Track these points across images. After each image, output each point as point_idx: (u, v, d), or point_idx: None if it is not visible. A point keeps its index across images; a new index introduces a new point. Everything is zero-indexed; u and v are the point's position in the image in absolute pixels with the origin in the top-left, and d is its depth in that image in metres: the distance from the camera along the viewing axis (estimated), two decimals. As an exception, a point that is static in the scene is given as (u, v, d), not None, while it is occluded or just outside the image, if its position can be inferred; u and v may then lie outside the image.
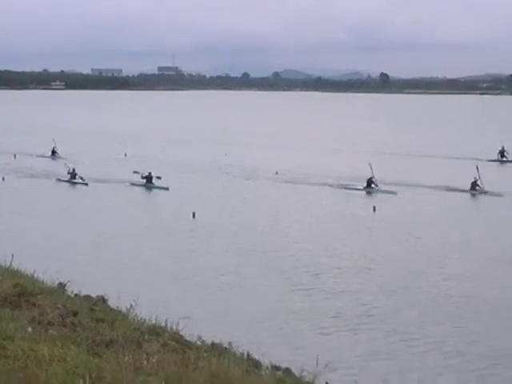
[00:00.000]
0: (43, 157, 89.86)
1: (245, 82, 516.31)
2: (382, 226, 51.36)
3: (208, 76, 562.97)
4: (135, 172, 68.36)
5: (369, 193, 66.06)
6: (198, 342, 19.48)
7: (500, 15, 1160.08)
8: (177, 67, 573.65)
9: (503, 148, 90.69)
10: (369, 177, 66.78)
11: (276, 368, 19.43)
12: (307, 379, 17.42)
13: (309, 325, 30.42)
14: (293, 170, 77.05)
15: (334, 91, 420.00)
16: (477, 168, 65.56)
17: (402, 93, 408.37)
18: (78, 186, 69.08)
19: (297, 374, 18.36)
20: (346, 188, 67.64)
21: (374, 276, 38.58)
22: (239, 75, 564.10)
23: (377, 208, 56.41)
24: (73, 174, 69.85)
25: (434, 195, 63.68)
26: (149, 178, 67.26)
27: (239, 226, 50.74)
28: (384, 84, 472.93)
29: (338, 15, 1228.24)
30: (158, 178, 67.10)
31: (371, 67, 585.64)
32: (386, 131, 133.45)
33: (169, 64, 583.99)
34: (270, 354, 21.44)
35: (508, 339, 29.11)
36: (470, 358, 27.12)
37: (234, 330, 26.17)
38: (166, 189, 65.95)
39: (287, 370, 19.15)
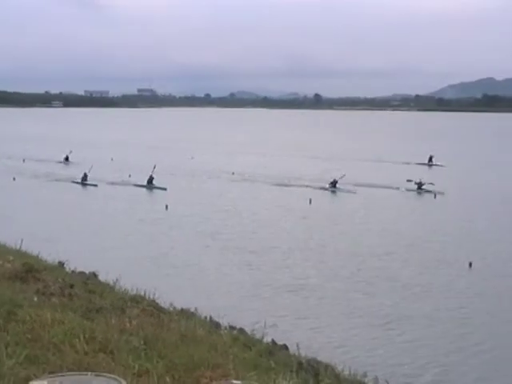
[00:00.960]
0: (59, 162, 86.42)
1: (207, 101, 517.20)
2: (315, 216, 51.42)
3: (178, 96, 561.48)
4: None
5: (333, 191, 63.87)
6: (170, 308, 19.42)
7: (406, 47, 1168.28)
8: (152, 89, 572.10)
9: (431, 155, 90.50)
10: (334, 179, 64.48)
11: (232, 328, 19.40)
12: (257, 336, 17.41)
13: (257, 293, 30.42)
14: (247, 171, 76.87)
15: (277, 108, 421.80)
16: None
17: (332, 109, 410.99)
18: (88, 187, 66.69)
19: (249, 332, 18.34)
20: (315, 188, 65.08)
21: (307, 254, 38.62)
22: (202, 95, 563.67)
23: (312, 201, 56.42)
24: (84, 177, 67.03)
25: (371, 192, 63.60)
26: (149, 180, 64.45)
27: (202, 216, 50.58)
28: (317, 102, 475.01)
29: (280, 48, 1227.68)
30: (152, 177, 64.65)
31: (307, 89, 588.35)
32: (323, 139, 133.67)
33: (146, 86, 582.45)
34: (227, 317, 21.40)
35: (400, 307, 29.17)
36: (373, 315, 27.20)
37: (198, 298, 26.08)
38: (164, 189, 63.17)
39: (241, 330, 19.12)
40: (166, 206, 52.82)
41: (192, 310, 20.13)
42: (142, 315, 15.61)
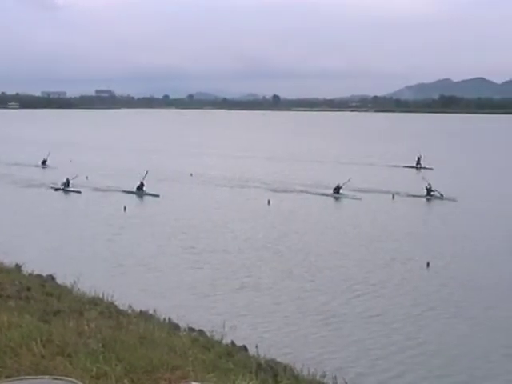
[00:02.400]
0: (36, 166, 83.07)
1: (165, 102, 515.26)
2: (273, 215, 51.55)
3: (136, 97, 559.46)
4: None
5: (335, 198, 60.77)
6: (129, 310, 19.39)
7: (364, 48, 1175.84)
8: (110, 90, 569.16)
9: (419, 156, 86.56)
10: (337, 184, 61.16)
11: (192, 330, 19.42)
12: (216, 338, 17.41)
13: (217, 294, 30.35)
14: (205, 172, 76.82)
15: (236, 109, 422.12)
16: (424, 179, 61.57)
17: (290, 110, 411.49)
18: (71, 193, 62.77)
19: (208, 334, 18.34)
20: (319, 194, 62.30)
21: (264, 254, 38.72)
22: (161, 97, 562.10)
23: (271, 202, 56.52)
24: (67, 183, 63.08)
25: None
26: (140, 186, 61.25)
27: (160, 217, 50.46)
28: (276, 103, 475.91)
29: (238, 49, 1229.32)
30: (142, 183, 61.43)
31: (265, 90, 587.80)
32: (281, 140, 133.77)
33: (104, 88, 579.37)
34: (186, 318, 21.40)
35: (356, 306, 29.34)
36: (330, 315, 27.33)
37: (157, 300, 26.02)
38: (157, 196, 59.91)
39: (200, 331, 19.15)
40: (124, 208, 52.59)
41: (151, 311, 20.11)
42: (101, 318, 15.56)
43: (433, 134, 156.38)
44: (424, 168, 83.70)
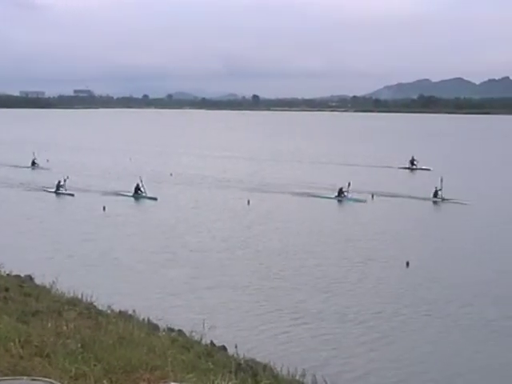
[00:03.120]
0: (25, 167, 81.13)
1: (145, 102, 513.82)
2: (252, 215, 51.58)
3: (115, 97, 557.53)
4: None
5: (339, 201, 58.93)
6: (108, 311, 19.34)
7: (343, 48, 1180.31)
8: (89, 90, 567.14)
9: (413, 157, 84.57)
10: (340, 187, 59.38)
11: (171, 330, 19.39)
12: (196, 338, 17.40)
13: (196, 294, 30.31)
14: (185, 172, 76.76)
15: (216, 109, 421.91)
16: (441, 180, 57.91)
17: (269, 110, 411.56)
18: (63, 196, 60.85)
19: (187, 334, 18.33)
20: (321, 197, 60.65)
21: (243, 254, 38.86)
22: (140, 96, 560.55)
23: (250, 202, 56.54)
24: (58, 186, 61.27)
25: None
26: (136, 189, 59.46)
27: (140, 217, 50.44)
28: (255, 103, 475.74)
29: (217, 49, 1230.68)
30: (140, 188, 59.36)
31: (245, 90, 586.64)
32: (261, 140, 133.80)
33: (83, 87, 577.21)
34: (166, 318, 21.37)
35: (335, 304, 29.40)
36: (309, 314, 27.35)
37: (137, 300, 25.93)
38: (155, 199, 58.09)
39: (180, 331, 19.14)
40: (104, 208, 52.44)
41: (130, 312, 20.06)
42: (79, 318, 15.51)
43: (415, 134, 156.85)
44: (421, 169, 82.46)
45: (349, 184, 58.55)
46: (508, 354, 23.64)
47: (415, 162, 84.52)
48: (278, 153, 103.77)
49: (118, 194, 60.91)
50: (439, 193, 58.44)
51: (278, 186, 66.25)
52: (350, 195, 58.77)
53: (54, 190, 61.73)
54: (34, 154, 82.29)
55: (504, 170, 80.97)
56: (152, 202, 57.85)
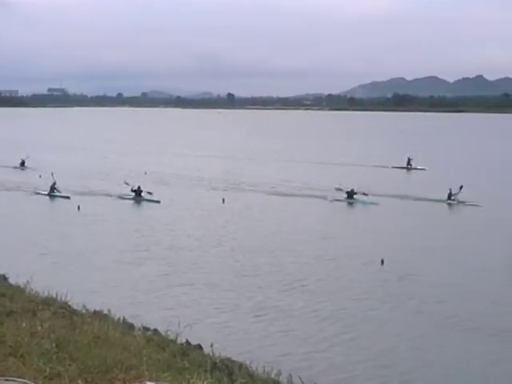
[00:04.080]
0: (14, 168, 79.09)
1: (119, 101, 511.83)
2: (227, 214, 51.55)
3: (89, 96, 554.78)
4: (126, 183, 58.75)
5: (350, 203, 57.32)
6: (83, 310, 19.28)
7: (318, 47, 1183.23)
8: (63, 89, 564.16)
9: (409, 157, 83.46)
10: (350, 189, 57.52)
11: (146, 329, 19.35)
12: (171, 337, 17.38)
13: (171, 293, 30.27)
14: (159, 171, 76.62)
15: (190, 108, 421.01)
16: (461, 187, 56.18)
17: (244, 108, 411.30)
18: (57, 199, 58.41)
19: (163, 333, 18.30)
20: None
21: (219, 252, 38.89)
22: (114, 95, 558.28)
23: (225, 200, 56.49)
24: (52, 188, 58.92)
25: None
26: (138, 192, 57.42)
27: (115, 215, 50.27)
28: (230, 102, 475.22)
29: (192, 47, 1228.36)
30: (149, 193, 56.97)
31: (220, 88, 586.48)
32: (236, 139, 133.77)
33: (57, 86, 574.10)
34: (141, 318, 21.34)
35: (310, 302, 29.46)
36: (284, 312, 27.39)
37: (112, 300, 25.88)
38: (158, 202, 56.10)
39: (155, 331, 19.10)
40: (78, 207, 52.24)
41: (105, 311, 20.01)
42: (54, 318, 15.46)
43: (395, 133, 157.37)
44: (415, 169, 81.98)
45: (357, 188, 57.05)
46: (475, 349, 23.92)
47: (411, 162, 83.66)
48: (252, 151, 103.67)
49: (105, 194, 59.93)
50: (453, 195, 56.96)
51: (253, 184, 66.26)
52: (364, 197, 56.79)
53: (47, 192, 59.27)
54: (27, 156, 79.62)
55: (494, 168, 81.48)
56: (156, 204, 55.93)
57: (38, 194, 60.27)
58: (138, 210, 52.67)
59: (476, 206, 54.58)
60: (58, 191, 59.04)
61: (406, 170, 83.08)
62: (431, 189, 61.11)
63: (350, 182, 59.75)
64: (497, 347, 24.14)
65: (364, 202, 56.71)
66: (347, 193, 57.73)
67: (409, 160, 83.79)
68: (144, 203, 56.67)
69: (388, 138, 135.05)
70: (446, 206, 56.93)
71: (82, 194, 59.59)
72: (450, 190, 57.25)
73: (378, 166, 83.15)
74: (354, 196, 57.54)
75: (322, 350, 23.41)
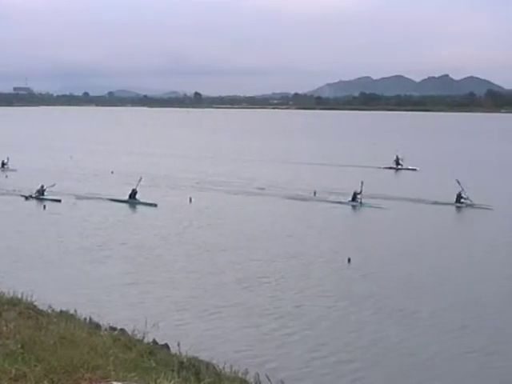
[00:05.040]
0: None
1: (85, 100, 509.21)
2: (194, 212, 51.47)
3: (55, 95, 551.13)
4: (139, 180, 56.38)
5: (353, 206, 54.95)
6: (49, 310, 19.17)
7: (285, 46, 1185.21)
8: (29, 88, 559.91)
9: (397, 156, 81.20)
10: (356, 191, 54.91)
11: (113, 329, 19.26)
12: (138, 337, 17.33)
13: (137, 292, 30.17)
14: (126, 170, 76.27)
15: (157, 107, 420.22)
16: (458, 182, 54.71)
17: (211, 107, 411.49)
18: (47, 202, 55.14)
19: (130, 332, 18.23)
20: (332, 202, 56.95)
21: (186, 250, 38.81)
22: (81, 94, 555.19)
23: (192, 199, 56.39)
24: (41, 191, 56.27)
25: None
26: (132, 194, 55.21)
27: (81, 215, 49.94)
28: (197, 101, 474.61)
29: (159, 46, 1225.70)
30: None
31: (187, 87, 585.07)
32: (204, 138, 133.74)
33: (22, 85, 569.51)
34: (108, 317, 21.24)
35: (276, 301, 29.53)
36: (252, 311, 27.43)
37: (78, 299, 25.77)
38: (155, 205, 54.00)
39: (122, 330, 19.01)
40: (44, 206, 51.95)
41: (71, 311, 19.91)
42: (20, 318, 15.36)
43: (368, 132, 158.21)
44: (406, 169, 79.62)
45: (360, 191, 54.83)
46: (434, 345, 24.15)
47: (401, 162, 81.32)
48: (220, 150, 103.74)
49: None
50: (463, 196, 54.80)
51: (220, 183, 66.26)
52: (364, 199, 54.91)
53: (35, 195, 56.47)
54: (7, 158, 77.27)
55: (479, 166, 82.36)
56: (152, 208, 54.04)
57: (23, 196, 57.59)
58: (104, 210, 52.32)
59: (487, 209, 52.92)
60: (42, 194, 56.43)
61: (395, 171, 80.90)
62: (434, 190, 60.54)
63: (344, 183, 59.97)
64: (456, 342, 24.51)
65: (370, 206, 54.25)
66: (354, 194, 55.39)
67: (397, 159, 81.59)
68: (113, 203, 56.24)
69: (362, 138, 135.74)
70: (454, 208, 55.15)
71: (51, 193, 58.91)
72: (459, 192, 55.08)
73: (366, 167, 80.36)
74: (357, 198, 55.24)
75: (288, 347, 23.52)
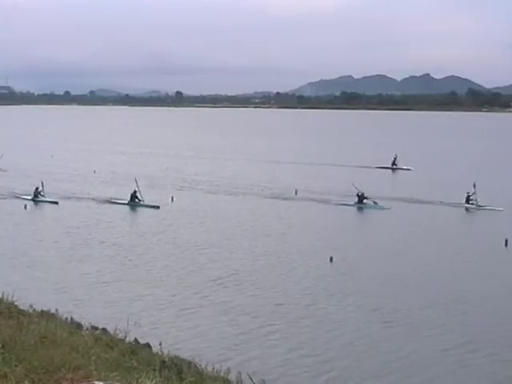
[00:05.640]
0: None
1: (67, 99, 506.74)
2: (175, 211, 51.42)
3: (36, 94, 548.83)
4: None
5: (360, 208, 53.83)
6: (30, 310, 19.11)
7: (267, 45, 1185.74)
8: (9, 86, 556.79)
9: (395, 157, 79.97)
10: (361, 193, 53.83)
11: (94, 328, 19.23)
12: (120, 336, 17.29)
13: (119, 291, 30.10)
14: (108, 169, 76.17)
15: (138, 106, 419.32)
16: (474, 185, 53.06)
17: (193, 106, 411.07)
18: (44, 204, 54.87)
19: (111, 332, 18.20)
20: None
21: (166, 249, 38.76)
22: (62, 93, 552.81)
23: (174, 198, 56.31)
24: (36, 193, 54.95)
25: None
26: (132, 196, 53.67)
27: (64, 214, 49.77)
28: (179, 100, 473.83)
29: (141, 45, 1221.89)
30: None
31: (168, 86, 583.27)
32: (187, 137, 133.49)
33: (3, 84, 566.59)
34: (89, 317, 21.20)
35: (259, 299, 29.54)
36: (233, 310, 27.42)
37: (60, 299, 25.70)
38: (157, 207, 52.28)
39: (104, 330, 18.99)
40: (25, 206, 51.77)
41: (53, 311, 19.86)
42: (0, 318, 15.31)
43: (346, 131, 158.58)
44: (401, 169, 78.76)
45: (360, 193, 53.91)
46: (413, 343, 24.33)
47: (396, 162, 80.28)
48: (201, 149, 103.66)
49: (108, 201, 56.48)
50: (472, 199, 53.29)
51: (202, 182, 66.23)
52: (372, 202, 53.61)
53: (31, 197, 55.13)
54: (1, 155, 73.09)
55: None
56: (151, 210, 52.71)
57: (19, 198, 56.22)
58: (86, 209, 52.14)
59: (496, 210, 51.95)
60: (43, 196, 55.29)
61: (391, 171, 79.59)
62: (438, 190, 60.21)
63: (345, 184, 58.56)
64: (434, 340, 24.59)
65: (375, 208, 53.12)
66: (358, 196, 54.15)
67: (394, 159, 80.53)
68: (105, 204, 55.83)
69: (344, 137, 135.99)
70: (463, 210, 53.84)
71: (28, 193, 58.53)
72: (468, 193, 53.67)
73: (361, 167, 79.76)
74: (365, 201, 53.95)
75: (270, 346, 23.52)
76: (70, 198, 57.28)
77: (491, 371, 21.97)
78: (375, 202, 53.46)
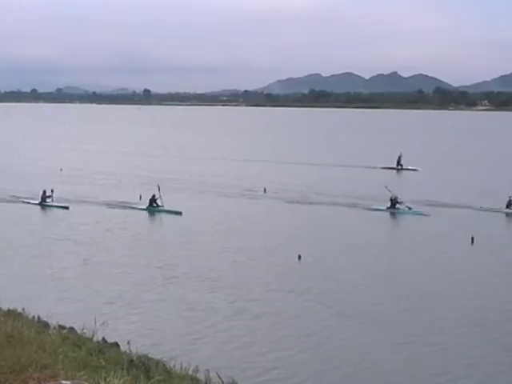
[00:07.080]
0: None
1: (33, 96, 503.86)
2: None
3: (3, 91, 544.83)
4: None
5: (392, 213, 50.73)
6: (-4, 310, 18.98)
7: (236, 43, 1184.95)
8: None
9: (399, 157, 77.22)
10: (393, 197, 50.59)
11: (62, 327, 19.14)
12: (87, 335, 17.23)
13: (86, 290, 29.94)
14: (75, 167, 75.73)
15: (106, 103, 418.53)
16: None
17: (161, 104, 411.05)
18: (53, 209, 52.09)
19: (79, 331, 18.13)
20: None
21: (130, 246, 38.93)
22: (29, 90, 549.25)
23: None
24: (44, 197, 52.31)
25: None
26: (152, 201, 50.96)
27: (30, 214, 49.42)
28: (147, 97, 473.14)
29: (110, 43, 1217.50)
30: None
31: (137, 84, 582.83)
32: (154, 135, 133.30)
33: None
34: (57, 316, 21.07)
35: (227, 298, 29.58)
36: (201, 309, 27.45)
37: (26, 298, 25.51)
38: (180, 213, 49.10)
39: (71, 329, 18.90)
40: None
41: (19, 310, 19.74)
42: (-35, 318, 15.20)
43: (315, 128, 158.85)
44: (407, 169, 76.28)
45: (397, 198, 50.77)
46: (381, 339, 24.44)
47: (401, 162, 77.67)
48: (169, 147, 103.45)
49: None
50: None
51: (169, 180, 65.95)
52: (405, 206, 50.43)
53: (38, 201, 52.67)
54: None
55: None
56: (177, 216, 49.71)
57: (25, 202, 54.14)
58: (54, 210, 51.76)
59: (498, 211, 49.87)
60: (52, 200, 52.76)
61: (396, 171, 77.04)
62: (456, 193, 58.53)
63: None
64: (401, 336, 24.72)
65: (409, 213, 49.76)
66: (391, 201, 50.87)
67: (399, 159, 77.94)
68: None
69: (314, 135, 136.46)
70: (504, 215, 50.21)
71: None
72: (510, 197, 50.13)
73: (366, 167, 77.81)
74: (397, 205, 50.81)
75: (238, 344, 23.55)
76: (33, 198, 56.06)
77: (451, 364, 22.25)
78: (409, 208, 50.18)
